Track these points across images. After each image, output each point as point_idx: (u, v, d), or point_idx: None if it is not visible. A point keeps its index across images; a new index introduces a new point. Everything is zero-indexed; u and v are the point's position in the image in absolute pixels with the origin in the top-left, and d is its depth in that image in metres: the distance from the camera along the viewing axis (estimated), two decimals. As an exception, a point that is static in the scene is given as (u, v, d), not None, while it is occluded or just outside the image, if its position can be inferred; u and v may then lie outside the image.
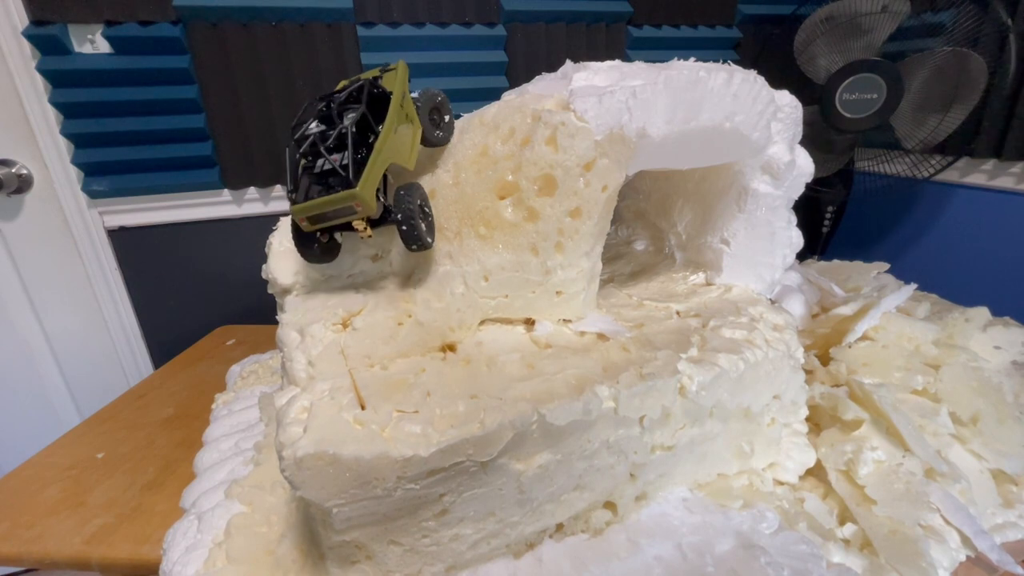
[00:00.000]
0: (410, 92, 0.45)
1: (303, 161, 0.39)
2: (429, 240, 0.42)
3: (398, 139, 0.40)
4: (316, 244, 0.43)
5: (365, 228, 0.40)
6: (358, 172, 0.37)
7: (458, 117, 0.49)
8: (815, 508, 0.48)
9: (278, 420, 0.35)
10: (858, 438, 0.50)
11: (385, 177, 0.41)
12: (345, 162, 0.37)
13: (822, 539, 0.44)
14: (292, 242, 0.43)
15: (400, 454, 0.33)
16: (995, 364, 0.59)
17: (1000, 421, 0.52)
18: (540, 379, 0.39)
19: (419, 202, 0.41)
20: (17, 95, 0.86)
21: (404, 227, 0.40)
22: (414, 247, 0.41)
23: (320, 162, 0.38)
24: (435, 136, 0.45)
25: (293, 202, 0.38)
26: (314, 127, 0.40)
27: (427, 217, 0.42)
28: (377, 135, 0.38)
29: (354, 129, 0.38)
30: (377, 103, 0.41)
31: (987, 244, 1.12)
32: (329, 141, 0.38)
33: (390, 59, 1.05)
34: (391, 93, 0.41)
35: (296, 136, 0.40)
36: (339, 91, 0.42)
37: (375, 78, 0.44)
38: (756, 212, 0.53)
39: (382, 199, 0.40)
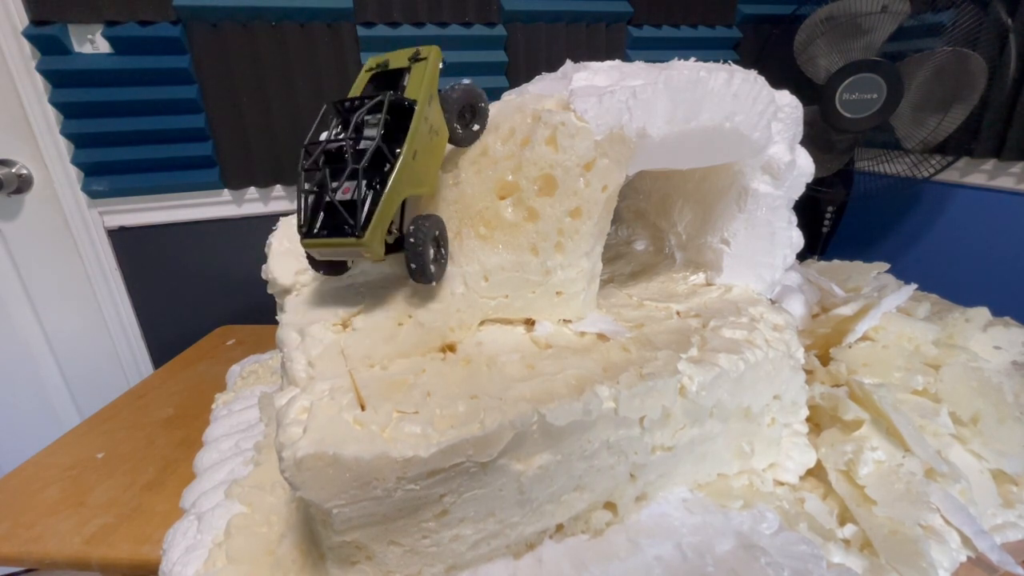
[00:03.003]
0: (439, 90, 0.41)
1: (314, 188, 0.37)
2: (437, 279, 0.40)
3: (417, 165, 0.37)
4: (330, 262, 0.42)
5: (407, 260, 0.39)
6: (368, 215, 0.34)
7: None
8: (815, 508, 0.48)
9: (278, 420, 0.35)
10: (858, 438, 0.50)
11: (404, 201, 0.39)
12: (354, 198, 0.34)
13: (822, 539, 0.44)
14: (292, 242, 0.43)
15: (400, 454, 0.33)
16: (995, 364, 0.59)
17: (1000, 421, 0.52)
18: (540, 379, 0.39)
19: (435, 235, 0.39)
20: (17, 95, 0.86)
21: (412, 264, 0.38)
22: (419, 281, 0.40)
23: (332, 190, 0.36)
24: (458, 136, 0.42)
25: (302, 234, 0.37)
26: (331, 146, 0.37)
27: (440, 251, 0.40)
28: (394, 163, 0.35)
29: (367, 162, 0.35)
30: (399, 115, 0.37)
31: (987, 244, 1.12)
32: (343, 176, 0.35)
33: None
34: (415, 104, 0.37)
35: (307, 164, 0.37)
36: (357, 99, 0.38)
37: (400, 70, 0.40)
38: (756, 212, 0.53)
39: (395, 231, 0.38)
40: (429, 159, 0.39)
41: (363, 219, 0.34)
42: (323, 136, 0.38)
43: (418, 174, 0.38)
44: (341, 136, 0.37)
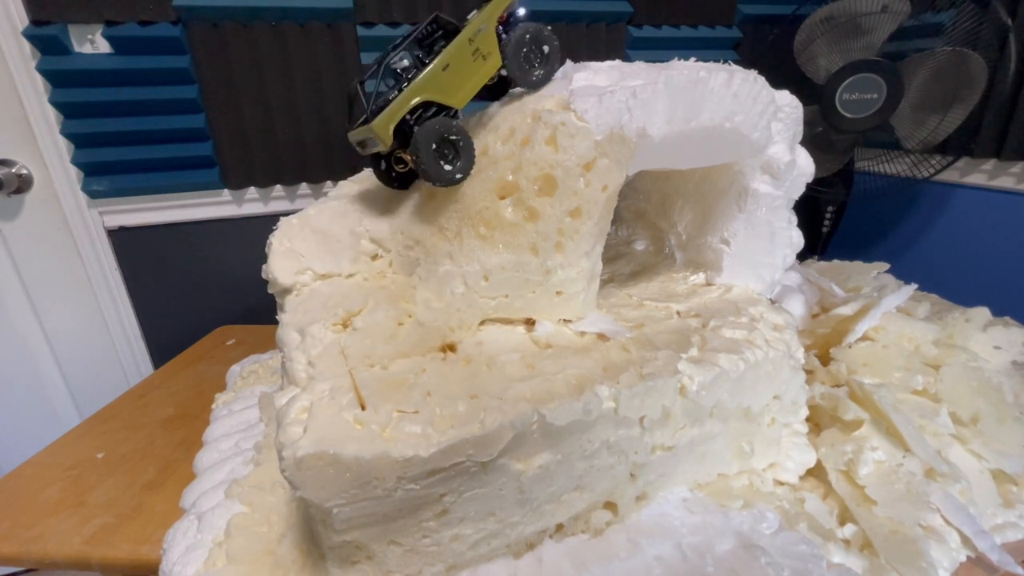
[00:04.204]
0: (512, 25, 0.44)
1: (365, 91, 0.43)
2: (442, 180, 0.42)
3: (447, 76, 0.42)
4: (394, 174, 0.47)
5: (413, 158, 0.41)
6: (384, 108, 0.39)
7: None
8: (815, 508, 0.48)
9: (278, 420, 0.35)
10: (858, 438, 0.50)
11: (456, 115, 0.43)
12: (372, 94, 0.41)
13: (822, 539, 0.44)
14: (292, 242, 0.44)
15: (400, 454, 0.33)
16: (995, 364, 0.59)
17: (1000, 421, 0.52)
18: (540, 379, 0.39)
19: (441, 133, 0.41)
20: (17, 95, 0.86)
21: (413, 157, 0.41)
22: (422, 178, 0.43)
23: (377, 94, 0.42)
24: (518, 73, 0.45)
25: (347, 129, 0.44)
26: (397, 58, 0.42)
27: (450, 150, 0.42)
28: (423, 69, 0.41)
29: (404, 63, 0.42)
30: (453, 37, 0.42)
31: (987, 244, 1.12)
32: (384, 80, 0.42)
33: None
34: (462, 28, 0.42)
35: (368, 73, 0.43)
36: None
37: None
38: (756, 212, 0.53)
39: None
40: (464, 75, 0.43)
41: (382, 107, 0.40)
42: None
43: (445, 84, 0.42)
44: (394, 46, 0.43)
